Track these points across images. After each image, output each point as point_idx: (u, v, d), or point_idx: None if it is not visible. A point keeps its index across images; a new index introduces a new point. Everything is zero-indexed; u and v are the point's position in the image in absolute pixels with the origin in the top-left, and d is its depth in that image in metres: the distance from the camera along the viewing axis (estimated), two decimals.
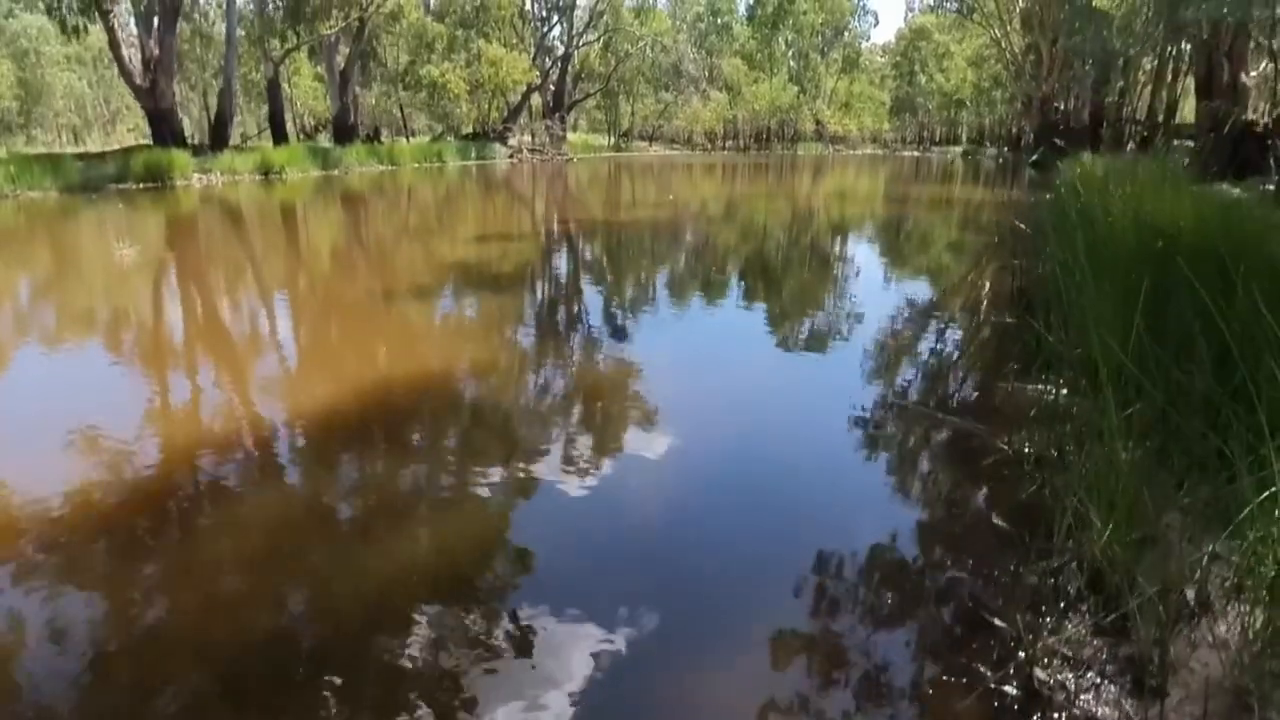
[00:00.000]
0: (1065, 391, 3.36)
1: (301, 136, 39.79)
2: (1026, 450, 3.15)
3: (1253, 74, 10.97)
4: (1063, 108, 36.11)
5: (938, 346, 5.51)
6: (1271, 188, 8.83)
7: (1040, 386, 3.75)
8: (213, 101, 50.95)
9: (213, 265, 9.30)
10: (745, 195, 21.62)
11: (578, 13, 44.29)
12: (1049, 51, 34.27)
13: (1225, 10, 4.94)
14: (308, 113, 37.35)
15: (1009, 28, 38.56)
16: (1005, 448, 3.21)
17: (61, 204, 14.94)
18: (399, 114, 44.14)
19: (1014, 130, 50.80)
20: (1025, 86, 38.76)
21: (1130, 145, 29.02)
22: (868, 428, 3.85)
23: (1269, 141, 9.68)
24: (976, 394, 4.51)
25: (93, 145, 42.74)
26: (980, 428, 3.59)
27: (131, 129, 44.28)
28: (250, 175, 20.75)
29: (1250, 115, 11.30)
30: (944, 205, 17.81)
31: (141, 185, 17.92)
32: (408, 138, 44.72)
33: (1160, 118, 26.36)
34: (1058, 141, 29.45)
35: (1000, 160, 41.97)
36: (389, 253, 10.46)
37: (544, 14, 43.60)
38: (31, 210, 14.31)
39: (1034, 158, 34.06)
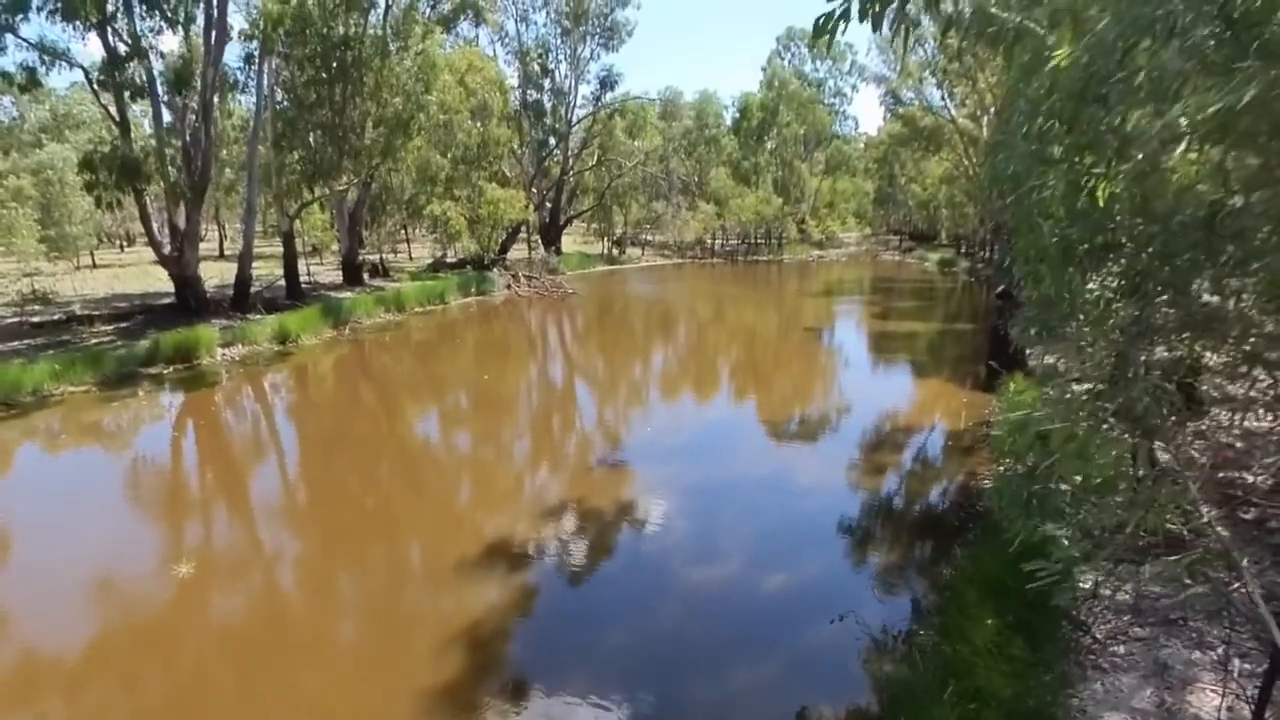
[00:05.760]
0: None
1: (308, 252, 42.01)
2: None
3: None
4: None
5: None
6: None
7: None
8: (224, 214, 53.55)
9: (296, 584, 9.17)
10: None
11: (573, 132, 47.24)
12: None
13: None
14: (315, 240, 39.51)
15: (972, 158, 41.21)
16: None
17: (100, 409, 16.38)
18: (404, 233, 46.71)
19: (988, 238, 53.42)
20: (992, 211, 41.27)
21: None
22: None
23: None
24: None
25: (109, 258, 44.80)
26: None
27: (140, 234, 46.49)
28: (269, 344, 22.47)
29: None
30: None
31: (172, 368, 19.56)
32: (410, 255, 47.16)
33: None
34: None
35: (973, 279, 44.27)
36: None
37: (541, 138, 46.39)
38: (71, 419, 15.76)
39: (1000, 288, 36.38)
